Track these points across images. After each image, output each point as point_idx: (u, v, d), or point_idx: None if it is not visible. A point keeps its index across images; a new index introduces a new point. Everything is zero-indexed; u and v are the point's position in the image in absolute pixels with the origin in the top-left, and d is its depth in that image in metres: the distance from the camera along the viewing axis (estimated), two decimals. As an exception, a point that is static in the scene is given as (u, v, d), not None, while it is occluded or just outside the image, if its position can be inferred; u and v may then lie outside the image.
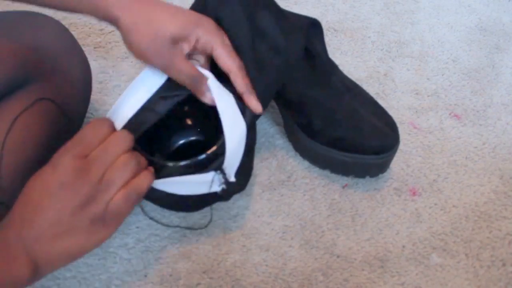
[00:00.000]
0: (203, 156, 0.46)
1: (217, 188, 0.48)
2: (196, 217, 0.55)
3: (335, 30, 0.78)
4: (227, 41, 0.48)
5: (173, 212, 0.55)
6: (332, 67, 0.60)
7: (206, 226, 0.54)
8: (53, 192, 0.37)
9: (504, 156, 0.63)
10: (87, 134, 0.39)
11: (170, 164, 0.46)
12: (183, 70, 0.46)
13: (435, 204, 0.58)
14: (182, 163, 0.46)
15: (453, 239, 0.55)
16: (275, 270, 0.51)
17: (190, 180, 0.46)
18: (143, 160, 0.42)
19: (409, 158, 0.62)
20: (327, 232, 0.55)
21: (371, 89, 0.69)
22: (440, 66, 0.74)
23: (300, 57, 0.55)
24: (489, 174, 0.61)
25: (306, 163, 0.60)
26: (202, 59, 0.49)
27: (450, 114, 0.67)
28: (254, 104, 0.49)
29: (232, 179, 0.48)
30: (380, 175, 0.59)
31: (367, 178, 0.59)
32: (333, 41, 0.76)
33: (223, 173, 0.47)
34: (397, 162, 0.61)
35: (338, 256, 0.53)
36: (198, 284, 0.50)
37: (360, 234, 0.55)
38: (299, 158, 0.61)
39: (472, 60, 0.75)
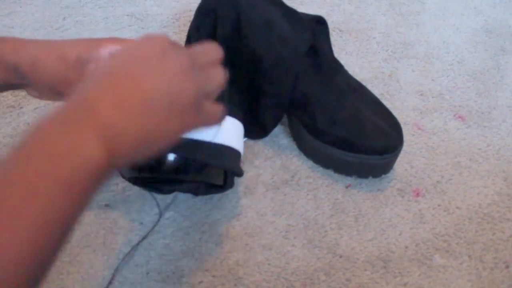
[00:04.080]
0: None
1: None
2: (200, 215, 0.55)
3: (340, 31, 0.78)
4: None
5: (176, 210, 0.55)
6: (338, 66, 0.60)
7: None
8: (164, 68, 0.33)
9: (508, 158, 0.63)
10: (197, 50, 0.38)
11: None
12: None
13: (439, 205, 0.58)
14: None
15: (456, 241, 0.55)
16: (278, 269, 0.51)
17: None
18: None
19: (413, 159, 0.62)
20: (330, 232, 0.55)
21: (375, 90, 0.69)
22: (445, 68, 0.74)
23: (307, 50, 0.56)
24: (493, 176, 0.61)
25: (310, 163, 0.60)
26: None
27: (454, 115, 0.67)
28: None
29: None
30: (384, 176, 0.59)
31: (371, 178, 0.59)
32: (338, 41, 0.76)
33: None
34: (401, 163, 0.61)
35: (340, 256, 0.53)
36: (201, 282, 0.50)
37: (363, 234, 0.55)
38: (303, 157, 0.61)
39: (477, 61, 0.75)
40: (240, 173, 0.50)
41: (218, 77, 0.38)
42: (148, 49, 0.33)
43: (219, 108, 0.39)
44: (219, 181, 0.51)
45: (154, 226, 0.53)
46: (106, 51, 0.44)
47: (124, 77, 0.32)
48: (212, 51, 0.39)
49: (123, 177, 0.51)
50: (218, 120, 0.39)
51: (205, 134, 0.46)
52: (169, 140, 0.34)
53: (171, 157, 0.46)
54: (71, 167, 0.27)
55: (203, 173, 0.49)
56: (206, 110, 0.37)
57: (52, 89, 0.43)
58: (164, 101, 0.32)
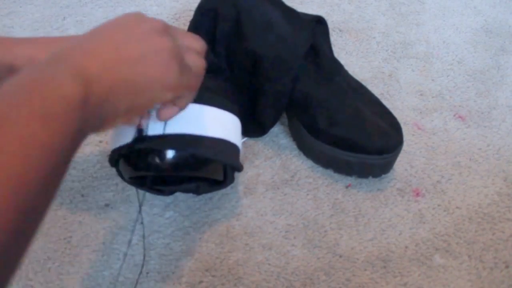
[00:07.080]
0: None
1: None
2: (200, 215, 0.55)
3: (340, 31, 0.78)
4: None
5: (176, 210, 0.55)
6: (338, 66, 0.60)
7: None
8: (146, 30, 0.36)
9: (508, 158, 0.63)
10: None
11: None
12: None
13: (439, 205, 0.58)
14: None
15: (456, 240, 0.55)
16: (278, 269, 0.51)
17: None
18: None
19: (412, 159, 0.62)
20: (330, 231, 0.55)
21: (375, 90, 0.69)
22: (445, 67, 0.74)
23: (307, 50, 0.56)
24: (493, 176, 0.61)
25: (309, 163, 0.60)
26: None
27: (454, 115, 0.67)
28: None
29: (150, 132, 0.45)
30: (384, 176, 0.59)
31: (371, 178, 0.59)
32: (338, 41, 0.76)
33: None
34: (401, 163, 0.61)
35: (340, 256, 0.53)
36: (201, 282, 0.50)
37: (363, 234, 0.55)
38: (302, 157, 0.61)
39: (477, 61, 0.75)
40: (239, 168, 0.50)
41: (198, 62, 0.40)
42: (125, 17, 0.37)
43: (201, 60, 0.41)
44: (219, 176, 0.51)
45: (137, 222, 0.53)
46: None
47: (99, 34, 0.35)
48: (195, 40, 0.41)
49: (122, 178, 0.51)
50: (202, 72, 0.41)
51: (204, 129, 0.47)
52: (150, 90, 0.35)
53: (170, 154, 0.46)
54: (46, 99, 0.28)
55: (203, 169, 0.49)
56: (188, 62, 0.38)
57: None
58: (137, 51, 0.34)
